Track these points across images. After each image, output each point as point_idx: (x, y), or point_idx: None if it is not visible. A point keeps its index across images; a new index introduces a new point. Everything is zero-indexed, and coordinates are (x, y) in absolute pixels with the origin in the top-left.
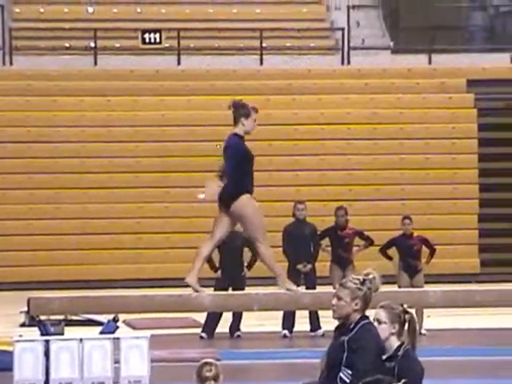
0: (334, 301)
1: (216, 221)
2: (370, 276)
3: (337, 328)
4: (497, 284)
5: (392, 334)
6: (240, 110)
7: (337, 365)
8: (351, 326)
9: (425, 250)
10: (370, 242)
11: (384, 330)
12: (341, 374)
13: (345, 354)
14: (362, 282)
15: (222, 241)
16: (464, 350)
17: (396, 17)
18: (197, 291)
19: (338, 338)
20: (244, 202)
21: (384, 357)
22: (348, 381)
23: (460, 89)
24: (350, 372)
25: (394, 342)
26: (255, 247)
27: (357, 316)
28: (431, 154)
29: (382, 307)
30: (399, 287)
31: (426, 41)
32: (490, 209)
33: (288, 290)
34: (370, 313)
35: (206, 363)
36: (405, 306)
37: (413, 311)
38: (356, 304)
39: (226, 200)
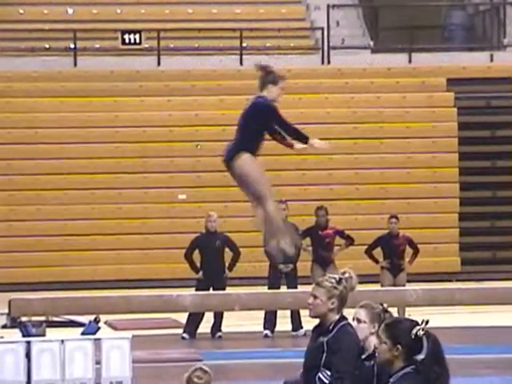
0: (310, 300)
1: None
2: (346, 275)
3: (315, 328)
4: (477, 282)
5: (371, 333)
6: (269, 77)
7: (315, 366)
8: (330, 327)
9: (408, 249)
10: (350, 241)
11: (363, 330)
12: (320, 375)
13: (324, 355)
14: (338, 281)
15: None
16: (444, 349)
17: (376, 16)
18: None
19: (316, 339)
20: (245, 160)
21: (363, 356)
22: (327, 381)
23: (440, 87)
24: (328, 373)
25: (373, 341)
26: (263, 205)
27: (334, 316)
28: (411, 152)
29: (361, 306)
30: (382, 286)
31: (405, 40)
32: (471, 207)
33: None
34: (350, 312)
35: (200, 369)
36: (385, 305)
37: (394, 310)
38: (332, 303)
39: (227, 162)
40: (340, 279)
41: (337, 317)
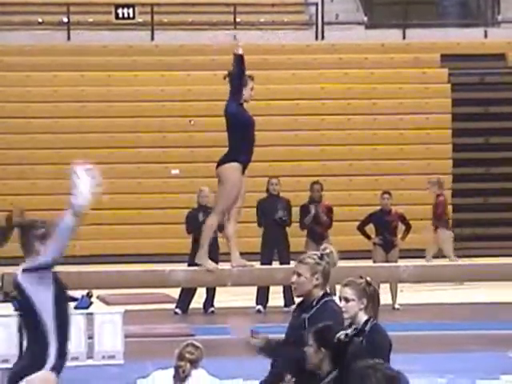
0: (294, 278)
1: None
2: (327, 250)
3: (298, 306)
4: (470, 259)
5: (360, 309)
6: None
7: (296, 342)
8: (313, 304)
9: (400, 225)
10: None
11: (353, 307)
12: None
13: (305, 332)
14: (321, 257)
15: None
16: (436, 325)
17: None
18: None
19: (299, 316)
20: (230, 171)
21: (352, 332)
22: None
23: (434, 64)
24: None
25: (362, 317)
26: (211, 215)
27: (318, 292)
28: (405, 129)
29: (346, 285)
30: (374, 262)
31: (399, 16)
32: (464, 184)
33: (202, 266)
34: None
35: (191, 345)
36: (368, 278)
37: (387, 286)
38: (316, 279)
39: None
40: (322, 255)
41: (321, 293)
